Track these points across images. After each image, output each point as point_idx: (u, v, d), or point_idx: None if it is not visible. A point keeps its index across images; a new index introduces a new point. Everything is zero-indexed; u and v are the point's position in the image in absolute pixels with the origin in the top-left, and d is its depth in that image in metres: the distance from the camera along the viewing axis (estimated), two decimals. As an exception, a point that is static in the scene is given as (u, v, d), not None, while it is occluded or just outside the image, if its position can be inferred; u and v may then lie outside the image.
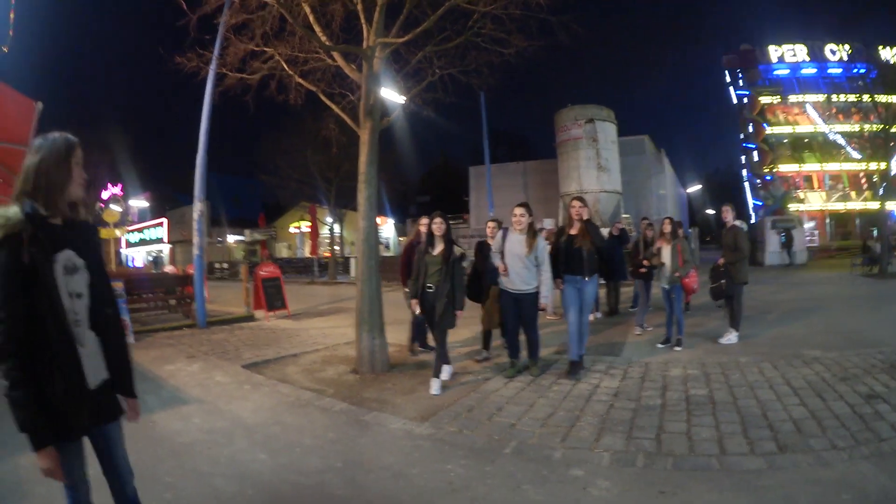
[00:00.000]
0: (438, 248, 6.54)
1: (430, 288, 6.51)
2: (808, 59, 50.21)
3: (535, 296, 6.93)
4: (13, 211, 2.19)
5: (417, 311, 6.62)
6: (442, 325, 6.43)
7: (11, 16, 4.99)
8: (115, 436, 2.56)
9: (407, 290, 7.34)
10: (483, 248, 7.83)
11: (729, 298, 8.54)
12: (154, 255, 53.59)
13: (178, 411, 5.83)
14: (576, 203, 7.24)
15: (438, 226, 6.61)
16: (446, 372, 6.85)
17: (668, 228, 8.50)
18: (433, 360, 6.63)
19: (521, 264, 6.84)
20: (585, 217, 7.11)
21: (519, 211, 6.96)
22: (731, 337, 8.44)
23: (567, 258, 7.04)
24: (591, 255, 6.95)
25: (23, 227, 2.17)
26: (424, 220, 7.60)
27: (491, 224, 7.95)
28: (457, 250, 6.55)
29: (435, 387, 6.36)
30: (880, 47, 46.14)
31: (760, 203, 47.08)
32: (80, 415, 2.28)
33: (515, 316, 7.02)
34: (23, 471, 3.98)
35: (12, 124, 8.45)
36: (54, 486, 2.41)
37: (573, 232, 7.07)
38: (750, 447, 4.39)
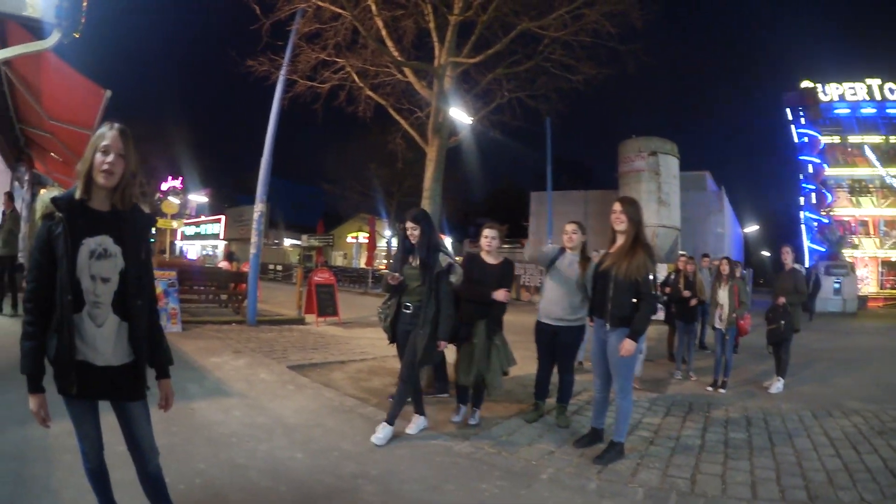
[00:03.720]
0: (418, 258, 5.31)
1: (407, 308, 5.35)
2: (867, 98, 48.77)
3: (579, 330, 5.93)
4: (53, 194, 2.52)
5: (391, 279, 5.26)
6: (422, 360, 5.21)
7: (84, 3, 5.21)
8: (137, 415, 2.71)
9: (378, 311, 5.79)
10: (473, 265, 5.93)
11: (779, 344, 8.19)
12: (209, 251, 54.69)
13: (220, 403, 5.92)
14: (616, 206, 4.99)
15: (411, 232, 5.28)
16: (384, 435, 5.01)
17: (726, 269, 8.17)
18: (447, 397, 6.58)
19: (569, 288, 5.78)
20: (632, 231, 4.91)
21: (571, 227, 5.93)
22: (778, 385, 8.11)
23: (596, 292, 5.25)
24: (625, 292, 4.82)
25: (53, 211, 2.46)
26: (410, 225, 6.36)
27: (570, 227, 5.98)
28: (442, 260, 5.26)
29: (382, 436, 5.01)
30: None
31: (823, 246, 45.69)
32: (67, 380, 2.47)
33: (550, 353, 6.02)
34: (51, 438, 4.07)
35: (80, 109, 8.86)
36: (79, 455, 2.70)
37: (612, 250, 5.06)
38: (781, 494, 4.33)
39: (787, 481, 4.59)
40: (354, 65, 8.87)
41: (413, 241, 5.27)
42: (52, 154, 13.32)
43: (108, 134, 2.51)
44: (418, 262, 5.26)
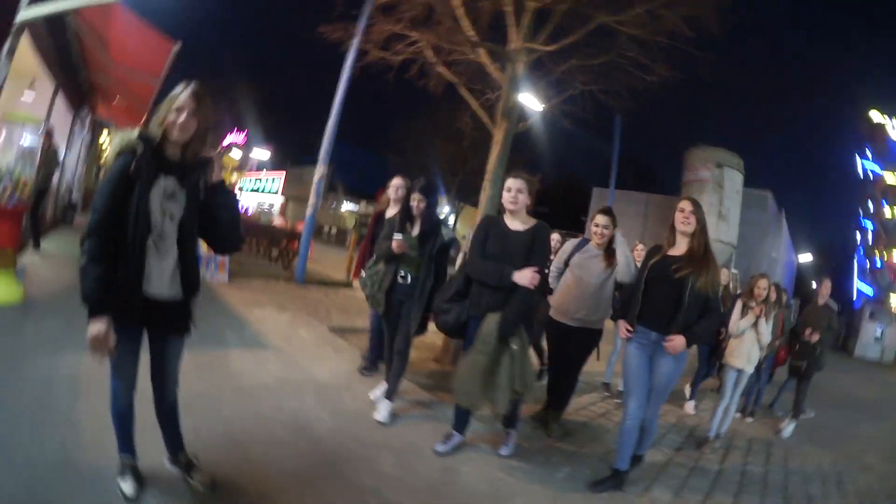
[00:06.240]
0: (417, 228, 4.87)
1: (404, 278, 4.84)
2: None
3: (598, 333, 5.41)
4: (134, 133, 2.65)
5: (396, 246, 4.69)
6: (412, 330, 4.81)
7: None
8: (175, 350, 2.93)
9: (363, 277, 5.26)
10: (491, 230, 4.38)
11: (802, 380, 7.70)
12: (265, 207, 55.37)
13: (256, 354, 6.01)
14: (686, 205, 4.31)
15: (417, 203, 4.82)
16: (385, 412, 4.80)
17: (774, 296, 7.08)
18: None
19: (591, 285, 5.25)
20: (702, 237, 4.26)
21: (602, 220, 5.31)
22: (790, 428, 7.42)
23: (649, 295, 4.28)
24: (697, 305, 4.10)
25: (136, 147, 2.61)
26: (397, 182, 6.10)
27: (602, 219, 5.36)
28: (444, 233, 4.85)
29: (384, 411, 4.80)
30: None
31: (872, 289, 43.84)
32: (128, 309, 2.62)
33: (565, 358, 5.45)
34: (82, 369, 4.22)
35: (150, 59, 9.07)
36: (107, 386, 2.79)
37: (676, 252, 4.30)
38: None
39: None
40: (429, 40, 8.88)
41: (416, 212, 4.85)
42: (117, 99, 13.70)
43: (182, 93, 2.69)
44: (418, 232, 4.84)
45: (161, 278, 2.71)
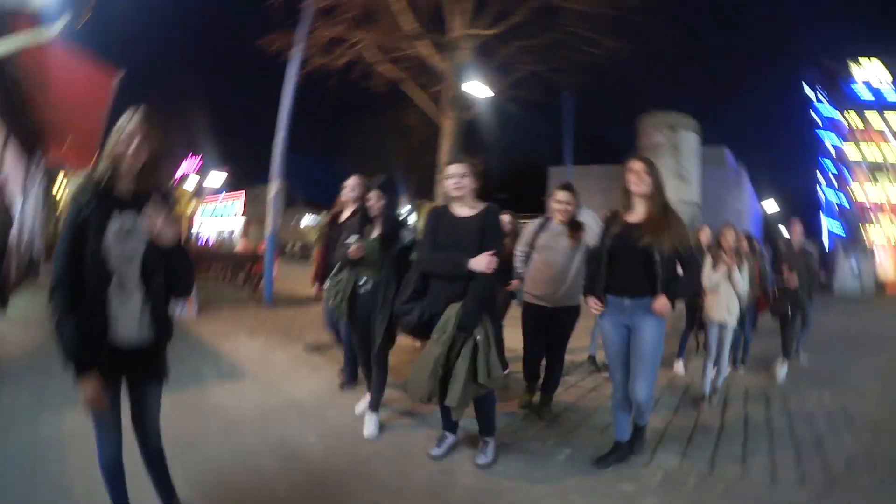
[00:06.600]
0: (376, 230, 4.60)
1: (364, 284, 4.62)
2: (890, 80, 47.66)
3: (575, 311, 5.18)
4: (84, 177, 2.54)
5: (353, 251, 4.48)
6: (380, 346, 4.54)
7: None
8: (152, 397, 2.80)
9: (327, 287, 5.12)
10: (439, 222, 4.10)
11: (786, 324, 7.64)
12: (225, 234, 54.82)
13: (234, 386, 5.87)
14: (637, 165, 4.04)
15: (375, 202, 4.56)
16: (373, 425, 4.59)
17: (746, 246, 7.24)
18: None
19: (564, 265, 5.06)
20: (659, 196, 4.01)
21: (563, 196, 5.09)
22: (783, 371, 7.40)
23: (616, 265, 4.05)
24: (670, 269, 3.91)
25: (83, 193, 2.50)
26: (352, 182, 5.75)
27: (563, 194, 5.15)
28: (404, 235, 4.60)
29: (370, 425, 4.60)
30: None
31: (843, 228, 44.95)
32: (97, 361, 2.48)
33: (541, 334, 5.24)
34: (66, 426, 4.11)
35: (93, 93, 8.80)
36: (93, 441, 2.65)
37: (634, 218, 4.07)
38: (801, 478, 4.17)
39: (808, 464, 4.44)
40: (370, 39, 8.76)
41: (374, 213, 4.57)
42: (69, 140, 13.32)
43: (131, 121, 2.56)
44: (377, 235, 4.56)
45: (128, 323, 2.57)
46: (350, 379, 5.90)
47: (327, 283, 4.97)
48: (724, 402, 6.16)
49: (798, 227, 7.84)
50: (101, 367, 2.48)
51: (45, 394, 4.85)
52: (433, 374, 3.78)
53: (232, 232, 54.47)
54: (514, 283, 5.43)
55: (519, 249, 5.35)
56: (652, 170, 4.01)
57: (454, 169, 4.05)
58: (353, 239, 4.49)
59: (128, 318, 2.55)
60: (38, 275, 14.39)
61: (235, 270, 14.27)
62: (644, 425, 4.38)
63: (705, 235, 8.44)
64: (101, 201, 2.50)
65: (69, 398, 2.55)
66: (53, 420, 4.30)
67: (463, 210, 4.06)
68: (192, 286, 2.94)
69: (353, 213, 5.04)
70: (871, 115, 48.17)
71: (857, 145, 48.12)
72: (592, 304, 4.17)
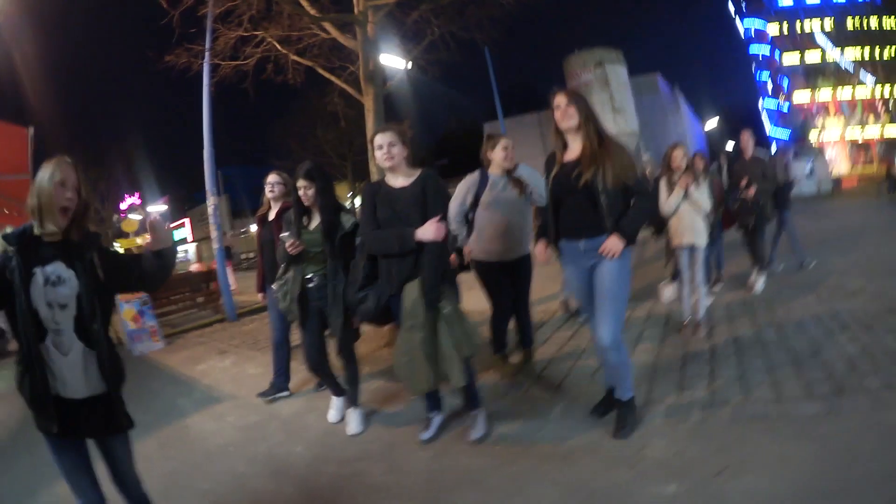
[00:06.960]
0: (315, 220, 4.38)
1: (311, 281, 4.40)
2: None
3: (528, 258, 5.05)
4: (4, 232, 2.47)
5: (289, 247, 4.27)
6: (342, 345, 4.44)
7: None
8: (119, 450, 2.67)
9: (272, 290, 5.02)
10: (377, 198, 3.90)
11: (754, 235, 7.63)
12: (180, 256, 54.03)
13: (212, 411, 5.69)
14: (559, 99, 3.72)
15: (304, 191, 4.27)
16: (355, 421, 4.51)
17: (700, 165, 6.83)
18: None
19: (516, 214, 4.88)
20: (590, 127, 3.66)
21: (507, 142, 4.90)
22: (760, 282, 7.43)
23: (562, 208, 3.80)
24: (618, 202, 3.58)
25: (5, 246, 2.42)
26: (270, 179, 5.47)
27: (506, 141, 4.96)
28: (345, 220, 4.31)
29: (353, 422, 4.50)
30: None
31: (787, 133, 45.75)
32: (47, 418, 2.43)
33: (506, 290, 5.02)
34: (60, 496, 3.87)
35: (11, 155, 8.37)
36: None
37: (571, 156, 3.77)
38: (806, 390, 4.04)
39: (809, 375, 4.30)
40: (275, 34, 8.52)
41: (307, 202, 4.29)
42: (5, 210, 12.80)
43: (58, 168, 2.50)
44: (317, 225, 4.33)
45: (73, 377, 2.45)
46: (282, 385, 5.64)
47: (275, 286, 4.65)
48: (710, 325, 6.03)
49: (747, 137, 7.76)
50: (55, 425, 2.42)
51: (36, 469, 4.39)
52: (428, 360, 3.64)
53: (186, 251, 53.70)
54: (466, 250, 4.94)
55: (454, 212, 4.82)
56: (576, 100, 3.70)
57: (381, 138, 3.83)
58: (286, 235, 4.31)
59: (72, 369, 2.46)
60: (6, 348, 13.91)
61: (194, 292, 13.96)
62: (628, 399, 3.85)
63: (649, 169, 8.38)
64: (25, 252, 2.43)
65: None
66: (48, 495, 4.04)
67: (398, 181, 3.86)
68: (164, 281, 2.84)
69: (282, 210, 4.90)
70: (798, 22, 49.09)
71: (788, 52, 49.03)
72: (538, 251, 3.99)
